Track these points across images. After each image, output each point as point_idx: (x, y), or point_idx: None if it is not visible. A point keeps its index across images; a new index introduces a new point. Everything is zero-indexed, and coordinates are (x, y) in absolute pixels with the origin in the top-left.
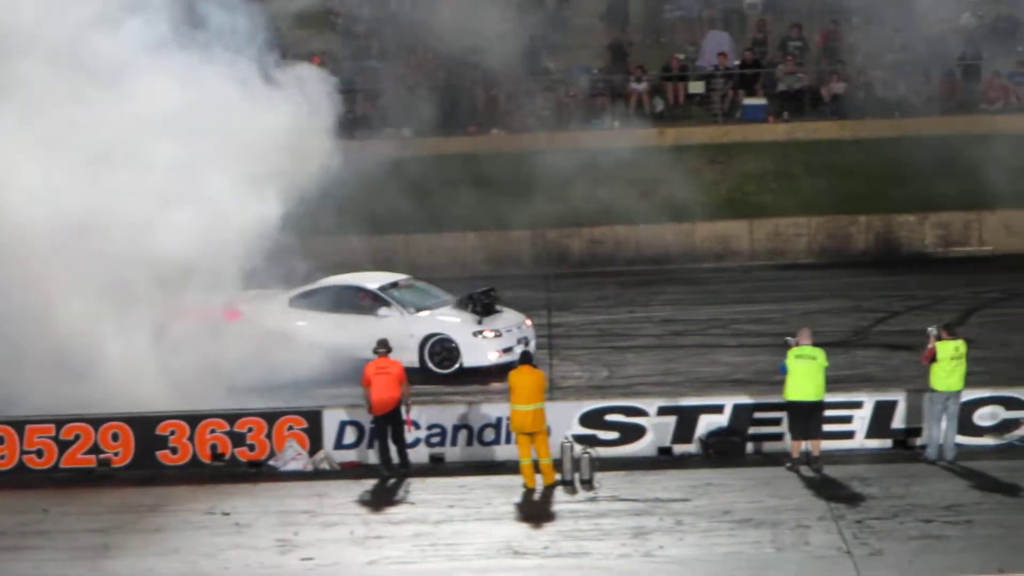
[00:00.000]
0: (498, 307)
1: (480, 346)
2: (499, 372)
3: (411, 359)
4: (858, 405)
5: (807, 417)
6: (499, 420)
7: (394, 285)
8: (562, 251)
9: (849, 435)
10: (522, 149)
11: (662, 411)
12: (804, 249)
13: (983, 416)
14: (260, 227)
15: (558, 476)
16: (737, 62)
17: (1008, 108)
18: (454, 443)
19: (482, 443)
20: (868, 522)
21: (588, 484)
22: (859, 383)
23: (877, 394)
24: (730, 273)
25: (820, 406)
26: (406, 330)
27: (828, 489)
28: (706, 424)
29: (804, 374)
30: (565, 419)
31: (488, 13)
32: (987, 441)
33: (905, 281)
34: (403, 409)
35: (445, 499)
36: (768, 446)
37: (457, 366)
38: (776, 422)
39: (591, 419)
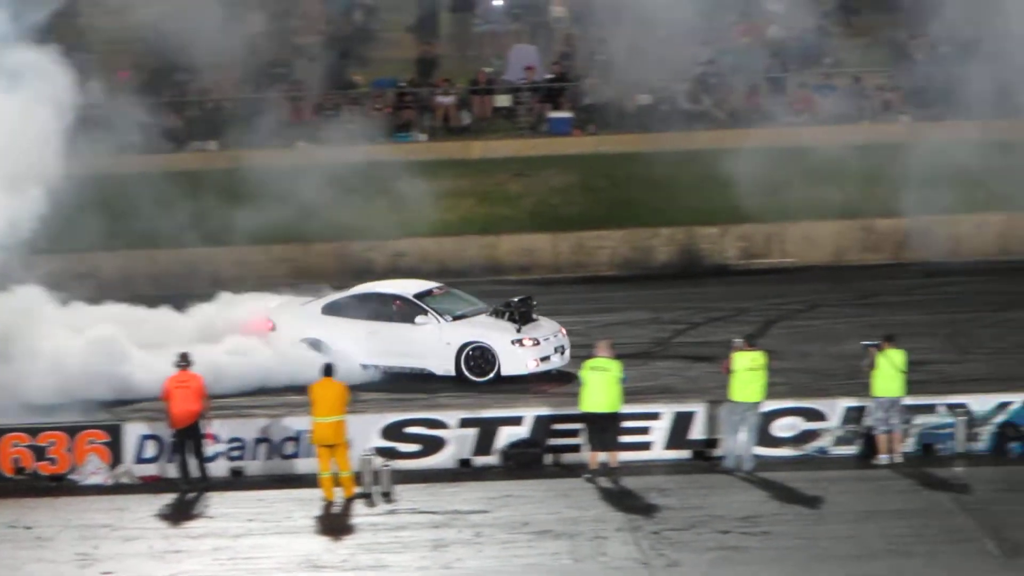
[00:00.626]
0: (535, 316)
1: (519, 355)
2: (538, 379)
3: (447, 367)
4: (656, 416)
5: (603, 428)
6: (299, 433)
7: (428, 293)
8: (365, 264)
9: (647, 446)
10: (326, 162)
11: (463, 423)
12: (607, 261)
13: (782, 427)
14: None
15: (358, 489)
16: (550, 76)
17: (813, 120)
18: (254, 456)
19: (282, 456)
20: (665, 533)
21: (388, 497)
22: (658, 394)
23: (675, 405)
24: (534, 286)
25: (615, 417)
26: (443, 338)
27: (626, 500)
28: (506, 436)
29: (598, 385)
30: (366, 432)
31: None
32: (786, 452)
33: (707, 293)
34: (202, 423)
35: (245, 513)
36: (567, 457)
37: (493, 374)
38: (575, 433)
39: (392, 432)
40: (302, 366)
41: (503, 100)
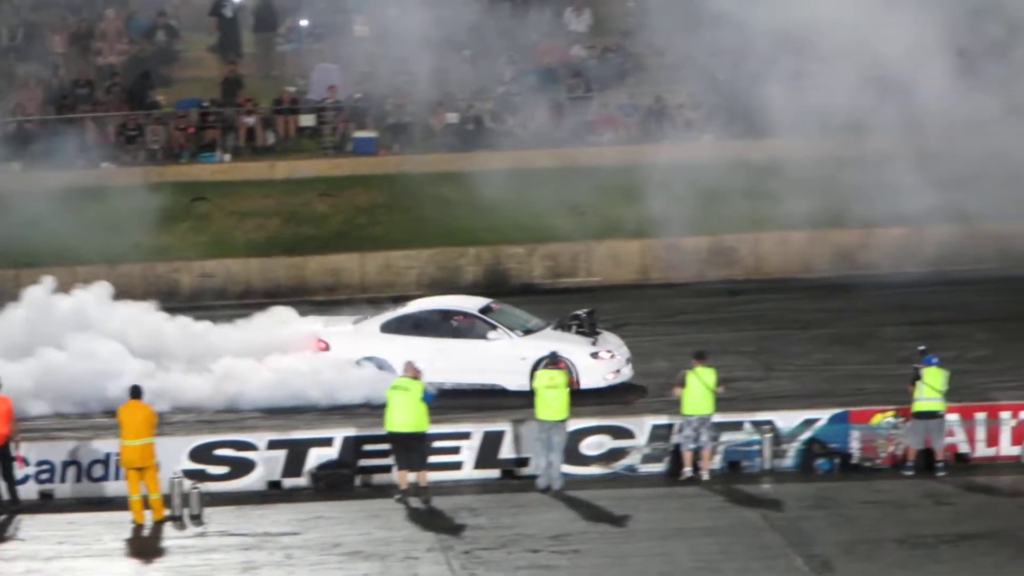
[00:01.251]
0: (599, 329)
1: (597, 368)
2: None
3: (521, 382)
4: (466, 436)
5: (409, 448)
6: (108, 456)
7: (488, 308)
8: (172, 285)
9: (457, 466)
10: (131, 183)
11: (272, 445)
12: (415, 281)
13: (590, 445)
14: None
15: (168, 511)
16: (359, 95)
17: (617, 140)
18: (63, 479)
19: (91, 479)
20: (476, 552)
21: (198, 519)
22: (467, 413)
23: (485, 424)
24: (340, 307)
25: (422, 437)
26: (517, 353)
27: (437, 520)
28: (316, 457)
29: (401, 405)
30: (175, 454)
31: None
32: (595, 470)
33: None
34: (12, 445)
35: (55, 535)
36: (378, 478)
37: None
38: (384, 454)
39: (201, 454)
40: (364, 384)
41: (307, 120)
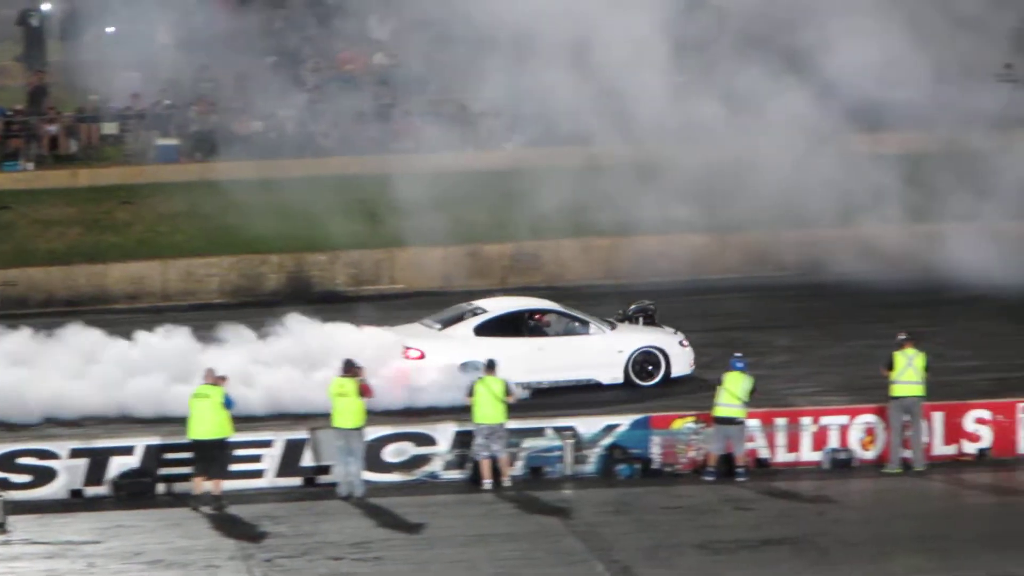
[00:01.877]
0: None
1: (685, 356)
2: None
3: (616, 375)
4: (268, 444)
5: (210, 456)
6: None
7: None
8: None
9: (259, 474)
10: None
11: (74, 453)
12: (217, 289)
13: (392, 452)
14: None
15: None
16: (163, 102)
17: (419, 148)
18: None
19: None
20: (278, 561)
21: (1, 528)
22: (272, 420)
23: (286, 432)
24: (143, 315)
25: (223, 444)
26: (615, 346)
27: (239, 528)
28: (118, 465)
29: (201, 413)
30: None
31: None
32: (397, 477)
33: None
34: None
35: None
36: (179, 487)
37: (661, 377)
38: (187, 462)
39: (3, 462)
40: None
41: (110, 128)
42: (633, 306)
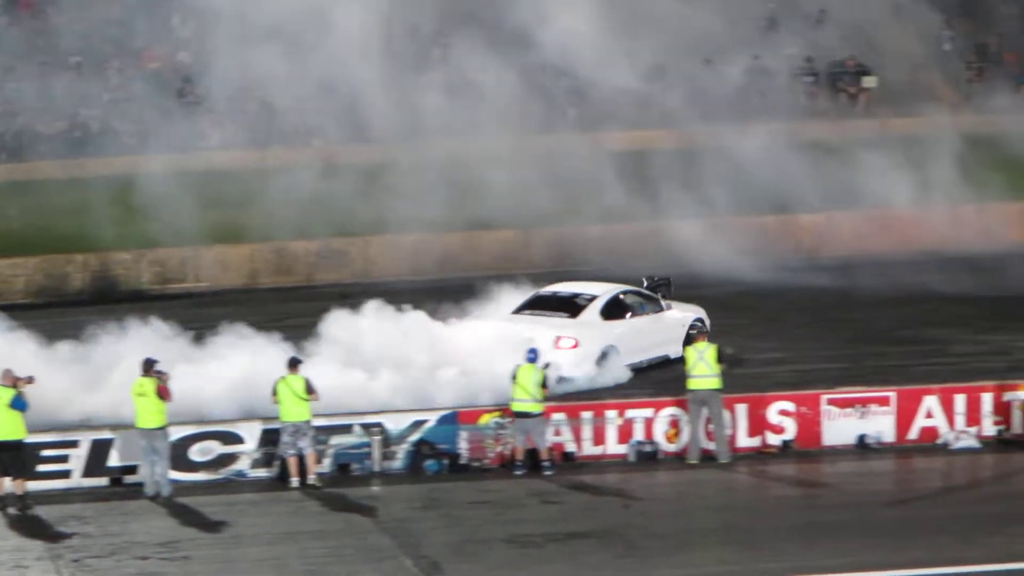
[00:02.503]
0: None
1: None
2: None
3: (678, 349)
4: (74, 444)
5: (5, 457)
6: None
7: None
8: None
9: (66, 474)
10: None
11: None
12: (23, 289)
13: (199, 451)
14: None
15: None
16: None
17: (226, 144)
18: None
19: None
20: (86, 561)
21: None
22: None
23: (93, 433)
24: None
25: (17, 445)
26: (682, 320)
27: (45, 529)
28: None
29: None
30: None
31: None
32: (204, 476)
33: (122, 318)
34: None
35: None
36: None
37: None
38: None
39: None
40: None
41: None
42: (650, 279)
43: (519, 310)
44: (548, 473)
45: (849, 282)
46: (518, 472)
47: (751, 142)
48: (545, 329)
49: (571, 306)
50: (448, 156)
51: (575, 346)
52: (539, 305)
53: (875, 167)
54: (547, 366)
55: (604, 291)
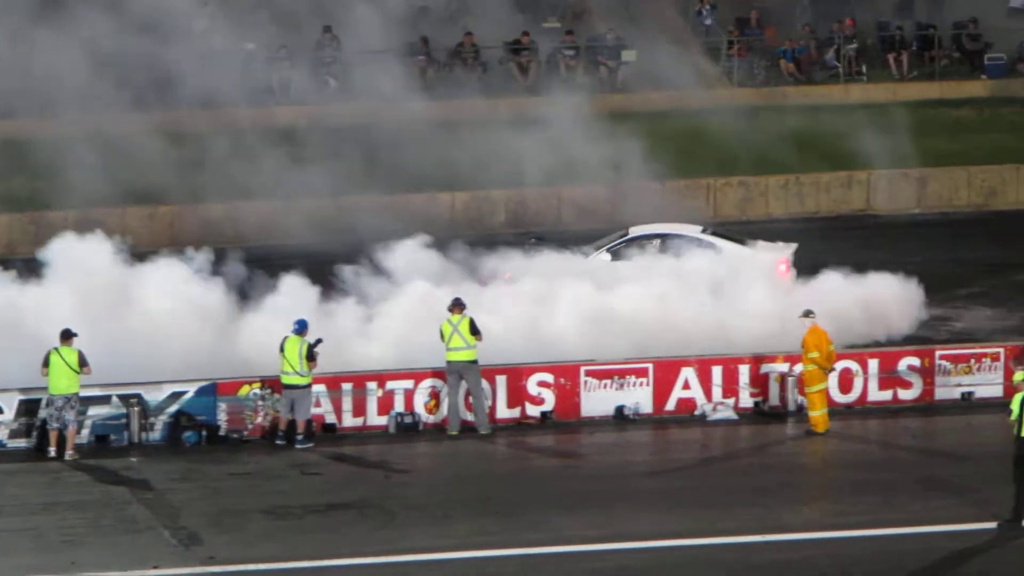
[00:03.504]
0: None
1: None
2: None
3: None
4: None
5: None
6: None
7: None
8: None
9: None
10: None
11: None
12: None
13: None
14: None
15: None
16: None
17: None
18: None
19: None
20: None
21: None
22: None
23: None
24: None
25: None
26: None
27: None
28: None
29: None
30: None
31: None
32: None
33: None
34: None
35: None
36: None
37: None
38: None
39: None
40: None
41: None
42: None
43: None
44: (302, 446)
45: None
46: (280, 443)
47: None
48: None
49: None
50: None
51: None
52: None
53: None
54: (319, 341)
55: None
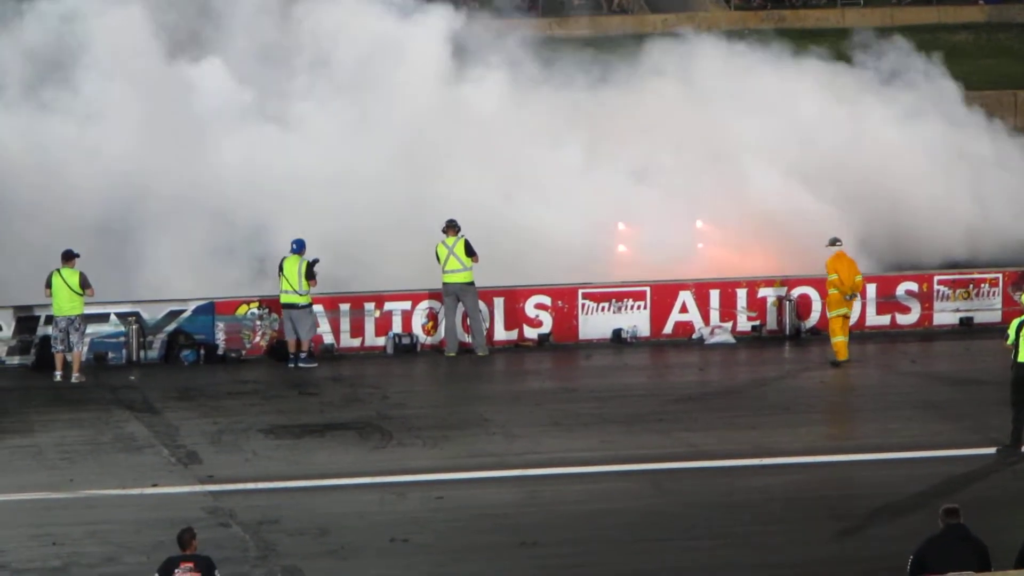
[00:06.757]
0: None
1: None
2: None
3: None
4: None
5: None
6: None
7: None
8: None
9: None
10: None
11: None
12: None
13: None
14: None
15: None
16: None
17: None
18: None
19: None
20: None
21: None
22: None
23: None
24: None
25: None
26: None
27: None
28: None
29: None
30: None
31: None
32: None
33: None
34: None
35: None
36: None
37: None
38: None
39: None
40: None
41: None
42: None
43: None
44: (305, 365)
45: None
46: (291, 365)
47: None
48: None
49: None
50: None
51: None
52: None
53: None
54: (316, 261)
55: None
